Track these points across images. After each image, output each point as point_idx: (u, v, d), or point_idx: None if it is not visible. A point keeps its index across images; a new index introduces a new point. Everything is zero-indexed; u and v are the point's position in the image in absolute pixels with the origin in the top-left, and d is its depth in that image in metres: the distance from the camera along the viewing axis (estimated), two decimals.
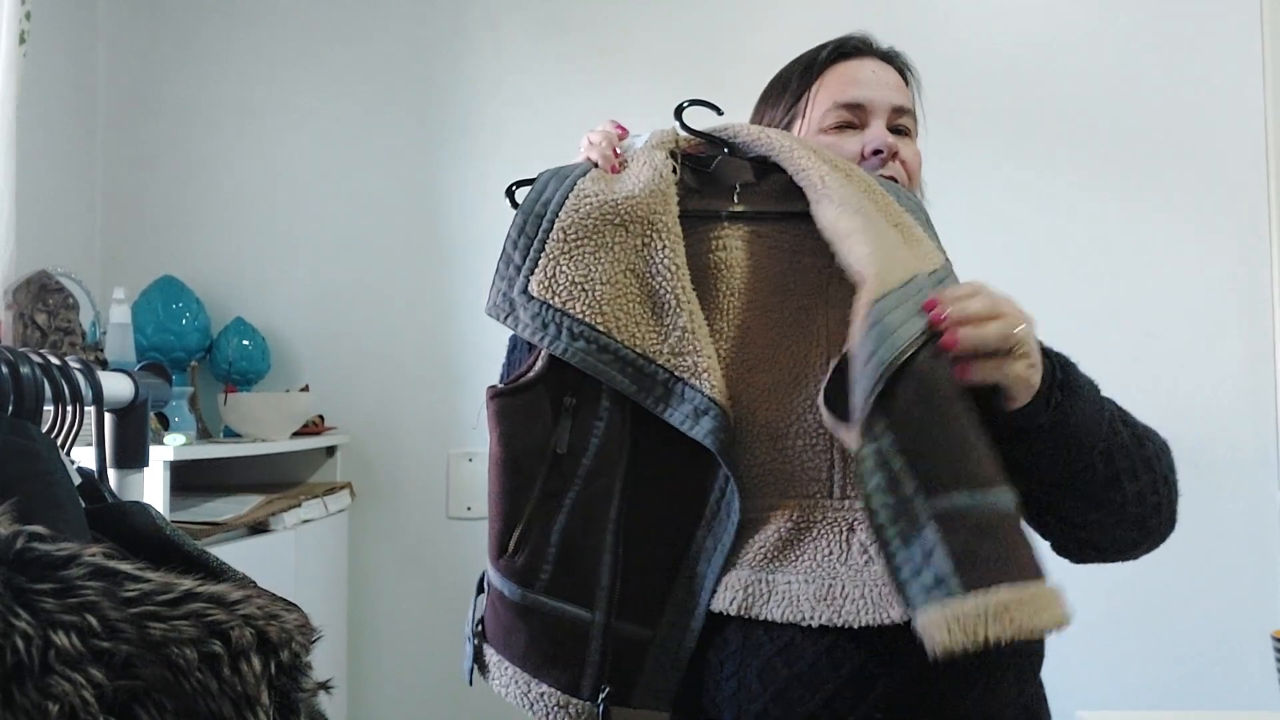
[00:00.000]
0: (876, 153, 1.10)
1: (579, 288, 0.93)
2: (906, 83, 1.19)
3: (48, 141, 2.24)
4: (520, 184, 1.01)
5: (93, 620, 0.56)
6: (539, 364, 0.96)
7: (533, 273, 0.95)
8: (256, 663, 0.59)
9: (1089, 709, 1.62)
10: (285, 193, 2.42)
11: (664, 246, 0.95)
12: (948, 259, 0.98)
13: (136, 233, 2.43)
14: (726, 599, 0.92)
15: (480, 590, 1.04)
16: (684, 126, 1.03)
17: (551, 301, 0.93)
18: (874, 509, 0.82)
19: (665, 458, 0.94)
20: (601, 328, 0.92)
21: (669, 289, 0.94)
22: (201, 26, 2.45)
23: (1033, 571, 0.81)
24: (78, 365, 0.83)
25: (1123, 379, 2.14)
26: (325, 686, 0.65)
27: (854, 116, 1.14)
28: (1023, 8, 2.25)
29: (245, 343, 2.28)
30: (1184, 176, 2.17)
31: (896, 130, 1.15)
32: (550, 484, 0.94)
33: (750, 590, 0.91)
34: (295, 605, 0.66)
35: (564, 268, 0.94)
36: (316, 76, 2.42)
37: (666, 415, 0.92)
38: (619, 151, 1.02)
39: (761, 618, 0.90)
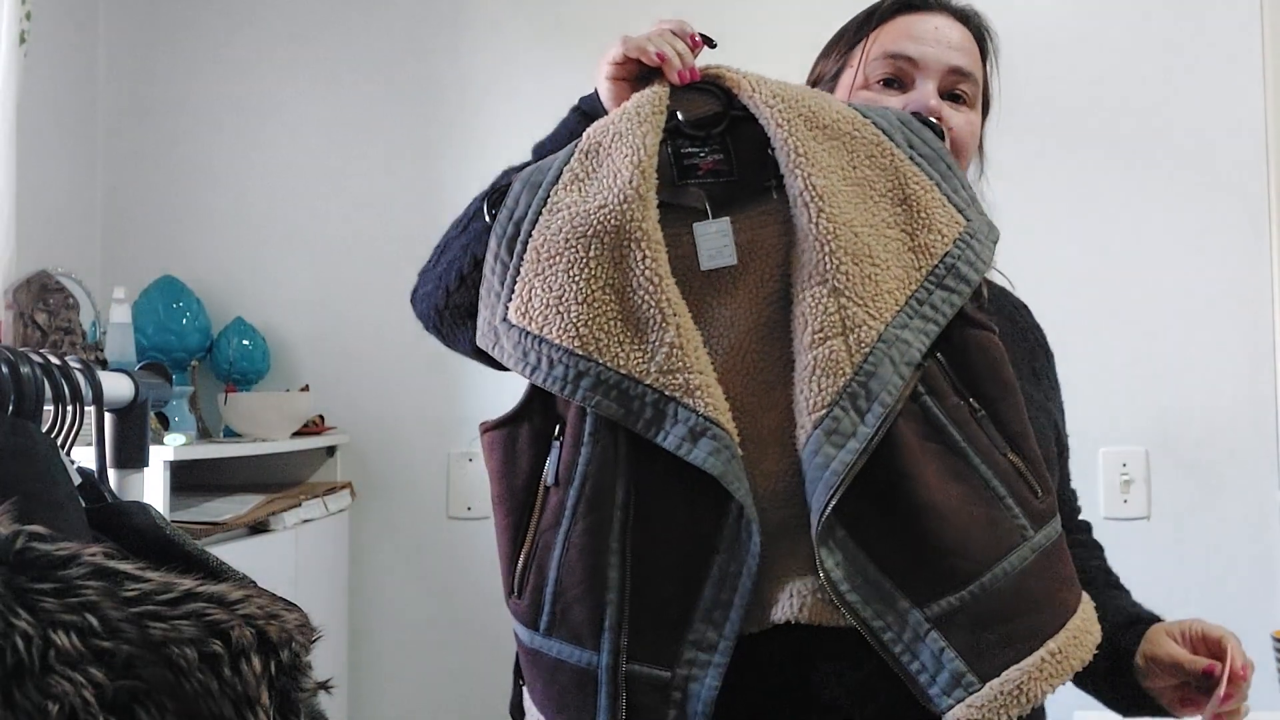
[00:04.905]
0: (916, 115, 0.98)
1: (554, 310, 0.87)
2: (982, 49, 1.10)
3: (48, 141, 2.23)
4: (496, 197, 0.95)
5: (93, 620, 0.57)
6: (524, 393, 0.92)
7: (510, 299, 0.90)
8: (257, 662, 0.59)
9: (1088, 709, 1.62)
10: (285, 193, 2.42)
11: (643, 257, 0.87)
12: (971, 219, 0.90)
13: (136, 233, 2.42)
14: (794, 605, 0.86)
15: None
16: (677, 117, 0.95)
17: (529, 328, 0.88)
18: (870, 624, 0.83)
19: (672, 483, 0.86)
20: (580, 351, 0.86)
21: (651, 303, 0.87)
22: (201, 27, 2.45)
23: (1051, 623, 0.85)
24: (78, 365, 0.83)
25: (1123, 379, 2.16)
26: (325, 686, 0.66)
27: (901, 72, 1.05)
28: (1021, 7, 2.25)
29: (245, 343, 2.28)
30: (1184, 177, 2.17)
31: (953, 96, 1.06)
32: (545, 519, 0.90)
33: (819, 594, 0.85)
34: (295, 605, 0.66)
35: (538, 290, 0.88)
36: (316, 76, 2.42)
37: (660, 439, 0.85)
38: (683, 69, 0.95)
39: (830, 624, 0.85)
